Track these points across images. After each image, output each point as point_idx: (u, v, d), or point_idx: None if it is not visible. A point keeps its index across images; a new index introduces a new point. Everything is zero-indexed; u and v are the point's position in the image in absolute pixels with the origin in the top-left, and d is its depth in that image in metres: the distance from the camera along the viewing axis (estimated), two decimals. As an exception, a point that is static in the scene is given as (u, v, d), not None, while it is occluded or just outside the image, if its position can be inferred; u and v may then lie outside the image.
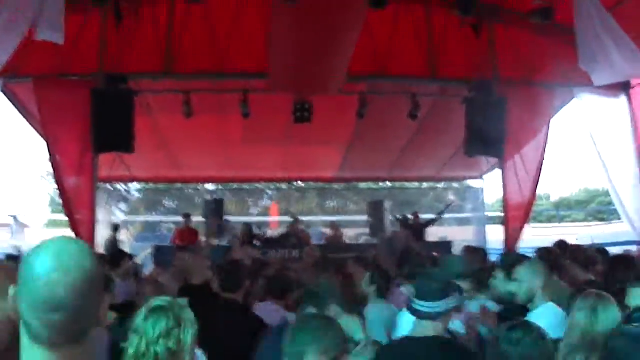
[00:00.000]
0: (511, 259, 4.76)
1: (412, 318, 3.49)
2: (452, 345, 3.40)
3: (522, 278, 4.39)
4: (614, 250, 7.81)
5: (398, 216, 14.25)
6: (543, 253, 6.55)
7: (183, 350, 2.75)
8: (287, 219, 16.38)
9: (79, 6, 9.51)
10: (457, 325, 4.02)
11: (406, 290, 5.16)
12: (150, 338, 2.73)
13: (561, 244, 7.24)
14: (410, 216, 14.25)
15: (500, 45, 11.26)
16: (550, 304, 4.30)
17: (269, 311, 4.89)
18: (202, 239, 14.54)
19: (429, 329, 3.31)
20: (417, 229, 13.59)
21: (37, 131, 11.52)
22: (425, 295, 3.33)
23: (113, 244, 13.28)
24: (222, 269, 4.86)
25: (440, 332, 3.32)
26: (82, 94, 10.04)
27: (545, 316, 4.01)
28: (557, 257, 6.55)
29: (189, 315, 2.85)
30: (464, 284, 4.32)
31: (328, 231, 15.37)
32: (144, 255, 12.21)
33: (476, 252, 7.32)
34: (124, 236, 17.51)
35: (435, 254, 8.84)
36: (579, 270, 5.86)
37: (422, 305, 3.32)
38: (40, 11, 7.48)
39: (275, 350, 3.52)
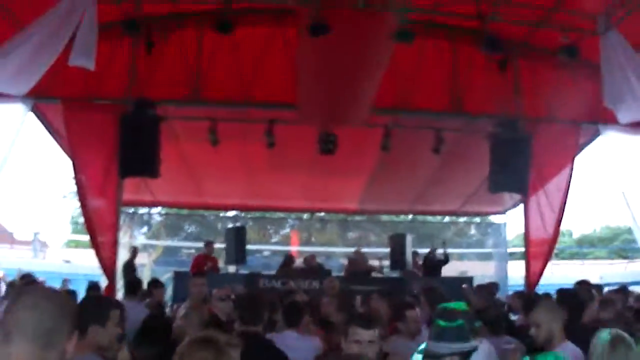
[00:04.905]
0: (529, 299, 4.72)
1: None
2: None
3: (540, 320, 4.38)
4: (638, 289, 7.71)
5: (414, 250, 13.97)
6: (565, 294, 6.51)
7: None
8: (308, 248, 16.33)
9: (110, 33, 9.67)
10: None
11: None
12: None
13: (583, 284, 7.16)
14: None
15: (525, 81, 11.23)
16: (568, 342, 4.29)
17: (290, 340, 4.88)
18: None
19: None
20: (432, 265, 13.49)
21: (65, 151, 11.66)
22: (439, 336, 3.09)
23: (130, 268, 13.29)
24: (242, 301, 4.78)
25: None
26: (110, 118, 10.17)
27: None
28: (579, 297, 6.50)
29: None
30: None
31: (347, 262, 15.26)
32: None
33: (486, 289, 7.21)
34: (144, 259, 17.62)
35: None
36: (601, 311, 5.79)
37: (433, 346, 3.08)
38: (74, 36, 7.62)
39: None
